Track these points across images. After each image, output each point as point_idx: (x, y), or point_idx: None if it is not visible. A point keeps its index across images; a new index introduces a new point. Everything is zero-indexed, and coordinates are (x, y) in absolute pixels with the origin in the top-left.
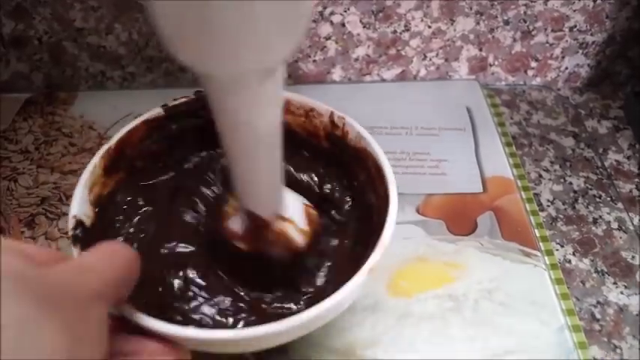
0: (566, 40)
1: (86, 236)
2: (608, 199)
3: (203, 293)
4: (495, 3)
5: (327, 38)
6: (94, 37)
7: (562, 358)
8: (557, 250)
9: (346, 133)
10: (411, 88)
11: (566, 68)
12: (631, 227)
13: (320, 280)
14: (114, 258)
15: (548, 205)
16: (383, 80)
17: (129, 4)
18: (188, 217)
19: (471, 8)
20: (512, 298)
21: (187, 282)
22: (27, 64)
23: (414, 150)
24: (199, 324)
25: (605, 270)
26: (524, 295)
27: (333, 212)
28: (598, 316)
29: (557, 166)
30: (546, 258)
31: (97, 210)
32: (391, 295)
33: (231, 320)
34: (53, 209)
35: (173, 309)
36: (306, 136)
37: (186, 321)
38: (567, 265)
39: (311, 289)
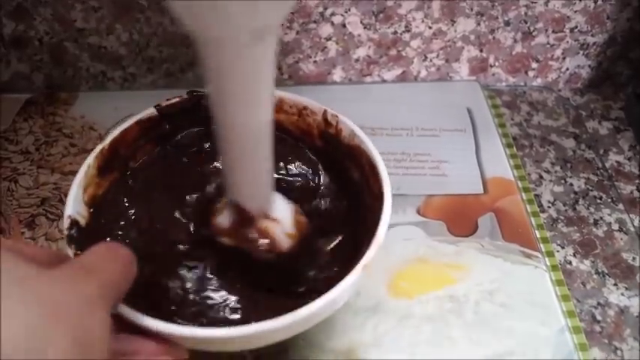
0: (567, 41)
1: (81, 236)
2: (609, 200)
3: (198, 291)
4: (496, 4)
5: (328, 39)
6: (95, 38)
7: (562, 359)
8: (557, 251)
9: (340, 131)
10: (411, 89)
11: (567, 69)
12: (632, 228)
13: (315, 279)
14: (112, 258)
15: (549, 207)
16: (383, 81)
17: (130, 5)
18: (182, 216)
19: (471, 9)
20: (513, 300)
21: (182, 280)
22: (28, 64)
23: (414, 151)
24: (196, 322)
25: (606, 271)
26: (525, 297)
27: (326, 210)
28: (599, 317)
29: (557, 167)
30: (547, 259)
31: (91, 210)
32: (392, 297)
33: (227, 317)
34: (53, 210)
35: (169, 307)
36: (300, 135)
37: (183, 319)
38: (568, 266)
39: (304, 288)
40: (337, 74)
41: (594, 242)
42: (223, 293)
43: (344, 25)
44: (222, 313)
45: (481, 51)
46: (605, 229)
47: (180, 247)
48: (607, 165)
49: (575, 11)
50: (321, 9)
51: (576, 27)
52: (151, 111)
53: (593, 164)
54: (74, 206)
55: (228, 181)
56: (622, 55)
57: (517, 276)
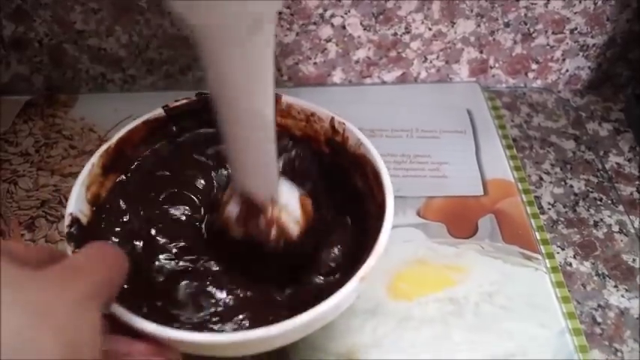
0: (567, 43)
1: (82, 234)
2: (609, 201)
3: (199, 294)
4: (496, 5)
5: (328, 40)
6: (95, 40)
7: None
8: (558, 253)
9: (346, 139)
10: (411, 91)
11: (567, 70)
12: (632, 230)
13: (317, 286)
14: (103, 259)
15: (549, 208)
16: (383, 83)
17: (129, 7)
18: (186, 216)
19: (471, 10)
20: (513, 302)
21: (185, 281)
22: (27, 66)
23: (414, 152)
24: (195, 325)
25: (606, 273)
26: (525, 299)
27: (331, 217)
28: (599, 319)
29: (557, 169)
30: (547, 261)
31: (94, 209)
32: (391, 298)
33: (226, 320)
34: (53, 212)
35: (170, 309)
36: (307, 141)
37: (181, 321)
38: (568, 268)
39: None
40: (337, 76)
41: (594, 244)
42: (224, 295)
43: (344, 27)
44: (221, 315)
45: (481, 52)
46: (606, 230)
47: (184, 246)
48: (607, 166)
49: (575, 13)
50: (320, 10)
51: (576, 28)
52: (158, 112)
53: (593, 166)
54: (76, 204)
55: (234, 171)
56: (622, 56)
57: (517, 278)
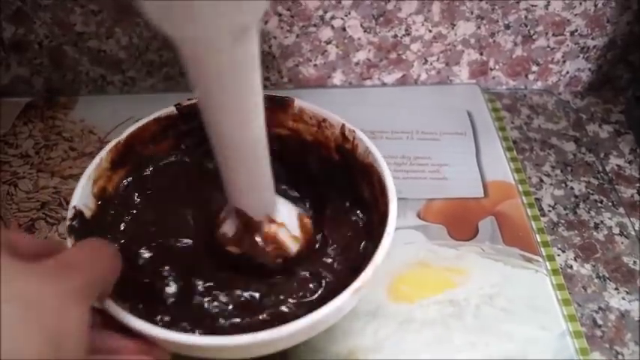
0: (567, 45)
1: (83, 228)
2: (610, 204)
3: (198, 293)
4: (496, 7)
5: (328, 42)
6: (95, 42)
7: None
8: (558, 255)
9: (356, 146)
10: (411, 93)
11: (567, 72)
12: (632, 232)
13: (315, 293)
14: (96, 255)
15: (550, 210)
16: (384, 84)
17: (129, 9)
18: (188, 217)
19: (471, 12)
20: (514, 304)
21: (182, 282)
22: (27, 68)
23: (414, 154)
24: (191, 324)
25: (607, 275)
26: (526, 301)
27: (337, 223)
28: (599, 321)
29: (558, 171)
30: (548, 263)
31: (99, 203)
32: (392, 301)
33: (222, 323)
34: (53, 214)
35: (166, 308)
36: (317, 146)
37: (177, 321)
38: (569, 270)
39: (305, 300)
40: (337, 78)
41: (595, 246)
42: (223, 296)
43: (344, 29)
44: (220, 320)
45: (481, 54)
46: (606, 232)
47: (185, 246)
48: (607, 168)
49: (576, 14)
50: (321, 12)
51: (576, 30)
52: (170, 109)
53: (594, 168)
54: (81, 197)
55: (228, 190)
56: (622, 58)
57: (518, 280)
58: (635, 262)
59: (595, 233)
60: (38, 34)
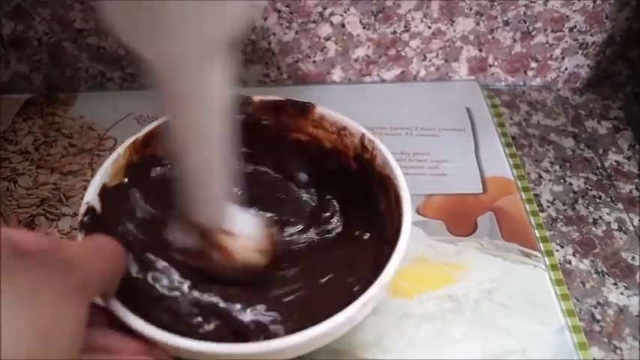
0: (566, 41)
1: (95, 223)
2: (608, 199)
3: (195, 294)
4: (495, 3)
5: (327, 39)
6: (94, 38)
7: (562, 358)
8: (557, 250)
9: (374, 157)
10: (410, 89)
11: (566, 69)
12: (631, 228)
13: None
14: (99, 252)
15: (549, 206)
16: (383, 81)
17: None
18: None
19: (470, 9)
20: (513, 299)
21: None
22: (27, 64)
23: (413, 150)
24: (186, 328)
25: (606, 271)
26: (525, 296)
27: (355, 233)
28: (598, 316)
29: (557, 167)
30: (546, 259)
31: (111, 199)
32: (391, 296)
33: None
34: (53, 210)
35: (167, 311)
36: (336, 154)
37: (175, 322)
38: (567, 265)
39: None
40: (336, 74)
41: (593, 241)
42: (222, 303)
43: (343, 25)
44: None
45: (480, 51)
46: (605, 228)
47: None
48: (606, 164)
49: (574, 11)
50: (320, 9)
51: (575, 26)
52: None
53: (593, 164)
54: (94, 194)
55: (179, 196)
56: (621, 54)
57: (516, 275)
58: (633, 258)
59: (594, 229)
60: (38, 31)
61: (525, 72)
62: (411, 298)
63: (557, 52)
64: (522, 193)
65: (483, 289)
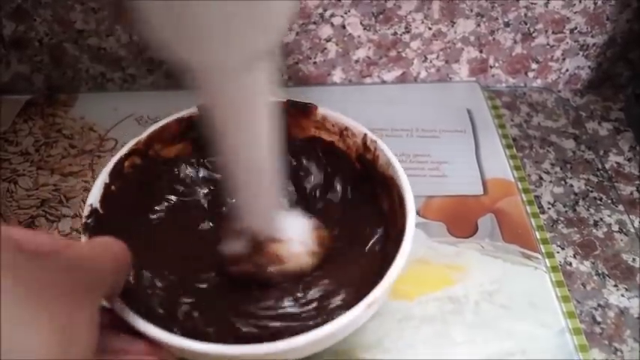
0: (567, 42)
1: (99, 226)
2: (609, 201)
3: (202, 298)
4: (496, 5)
5: (328, 40)
6: (95, 39)
7: None
8: (557, 252)
9: (377, 157)
10: (411, 90)
11: (567, 70)
12: (632, 230)
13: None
14: (106, 254)
15: (549, 208)
16: (383, 82)
17: (129, 6)
18: (202, 225)
19: (471, 10)
20: (513, 301)
21: (187, 290)
22: (27, 65)
23: (414, 152)
24: (192, 330)
25: (606, 272)
26: (525, 298)
27: (354, 236)
28: (599, 318)
29: (557, 168)
30: (547, 260)
31: (113, 202)
32: (392, 298)
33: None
34: (53, 211)
35: (164, 308)
36: (340, 154)
37: (180, 325)
38: (568, 267)
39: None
40: (337, 75)
41: (594, 243)
42: (232, 303)
43: (344, 27)
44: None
45: (481, 52)
46: (605, 230)
47: (196, 251)
48: (607, 166)
49: (575, 12)
50: (320, 10)
51: (576, 28)
52: (193, 110)
53: (593, 165)
54: (98, 196)
55: (234, 207)
56: (622, 56)
57: (517, 277)
58: (634, 260)
59: (594, 230)
60: (38, 32)
61: (526, 73)
62: (412, 299)
63: (558, 53)
64: (523, 195)
65: (484, 291)
